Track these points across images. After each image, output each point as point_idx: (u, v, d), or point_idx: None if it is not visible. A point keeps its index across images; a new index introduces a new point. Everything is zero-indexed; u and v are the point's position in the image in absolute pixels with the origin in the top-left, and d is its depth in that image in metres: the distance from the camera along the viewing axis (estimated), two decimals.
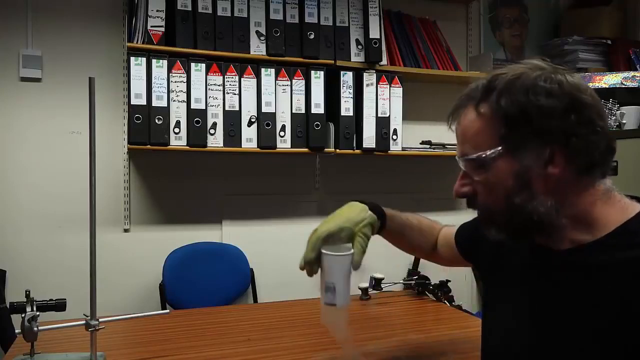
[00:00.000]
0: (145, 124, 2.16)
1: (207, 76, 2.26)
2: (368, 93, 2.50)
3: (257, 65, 2.34)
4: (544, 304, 0.81)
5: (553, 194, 0.76)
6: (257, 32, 2.34)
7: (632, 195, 0.81)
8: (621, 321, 0.70)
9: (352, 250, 0.97)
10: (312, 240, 0.96)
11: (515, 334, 0.85)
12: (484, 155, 0.77)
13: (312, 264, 0.96)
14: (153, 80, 2.17)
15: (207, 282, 2.40)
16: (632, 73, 2.64)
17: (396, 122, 2.56)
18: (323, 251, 0.94)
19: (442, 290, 1.92)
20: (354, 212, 1.02)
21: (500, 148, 0.76)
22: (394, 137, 2.55)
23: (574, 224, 0.77)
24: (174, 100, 2.21)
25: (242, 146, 2.32)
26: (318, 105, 2.42)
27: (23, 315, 1.09)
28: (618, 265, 0.72)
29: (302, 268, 0.97)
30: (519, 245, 0.88)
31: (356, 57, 2.50)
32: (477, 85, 0.80)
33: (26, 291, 1.16)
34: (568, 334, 0.76)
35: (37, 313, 1.11)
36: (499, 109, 0.75)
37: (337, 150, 2.47)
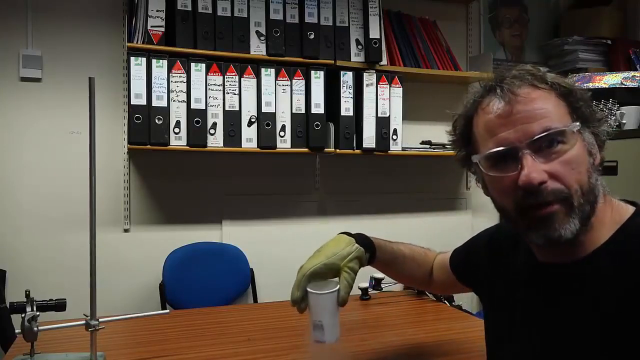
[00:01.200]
0: (145, 124, 2.16)
1: (207, 76, 2.26)
2: (368, 93, 2.50)
3: (257, 65, 2.34)
4: (546, 320, 0.78)
5: (599, 181, 0.76)
6: (257, 32, 2.34)
7: (625, 199, 0.80)
8: (624, 330, 0.68)
9: (337, 287, 0.96)
10: (297, 279, 0.96)
11: (521, 353, 0.82)
12: (570, 127, 0.73)
13: (299, 303, 0.96)
14: (153, 80, 2.17)
15: (207, 282, 2.40)
16: (632, 73, 2.64)
17: (396, 122, 2.56)
18: (309, 290, 0.95)
19: None
20: (340, 246, 1.00)
21: (577, 123, 0.74)
22: (394, 137, 2.55)
23: (595, 223, 0.75)
24: (174, 100, 2.21)
25: (242, 146, 2.32)
26: (318, 105, 2.42)
27: (23, 315, 1.09)
28: (616, 275, 0.70)
29: (293, 306, 0.97)
30: (517, 263, 0.85)
31: (356, 57, 2.50)
32: (511, 72, 0.77)
33: (26, 291, 1.16)
34: (572, 349, 0.73)
35: (37, 313, 1.11)
36: (563, 89, 0.76)
37: (337, 150, 2.47)
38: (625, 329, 0.68)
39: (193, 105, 2.23)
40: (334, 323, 0.96)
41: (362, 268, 1.02)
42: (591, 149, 0.75)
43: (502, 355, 0.89)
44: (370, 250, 1.04)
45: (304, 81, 2.41)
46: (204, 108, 2.24)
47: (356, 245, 1.01)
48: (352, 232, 1.05)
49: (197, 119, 2.23)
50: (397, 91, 2.56)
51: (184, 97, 2.22)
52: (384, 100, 2.53)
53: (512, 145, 0.72)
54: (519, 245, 0.88)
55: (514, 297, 0.85)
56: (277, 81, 2.37)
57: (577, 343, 0.73)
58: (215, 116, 2.27)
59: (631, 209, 0.77)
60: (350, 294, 0.97)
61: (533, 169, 0.71)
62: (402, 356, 1.23)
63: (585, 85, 2.70)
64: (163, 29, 2.21)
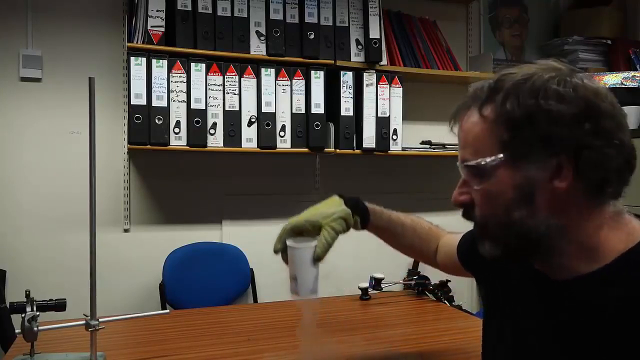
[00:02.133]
0: (145, 124, 2.16)
1: (207, 76, 2.26)
2: (368, 93, 2.50)
3: (257, 65, 2.34)
4: (538, 333, 0.76)
5: (557, 213, 0.68)
6: (257, 32, 2.34)
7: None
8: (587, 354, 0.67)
9: (314, 243, 0.98)
10: (280, 232, 1.00)
11: (512, 356, 0.82)
12: (483, 163, 0.69)
13: (279, 254, 1.01)
14: (153, 80, 2.17)
15: (207, 282, 2.40)
16: (632, 73, 2.64)
17: (396, 122, 2.56)
18: (287, 243, 0.99)
19: (442, 290, 1.93)
20: (327, 205, 1.03)
21: (501, 156, 0.68)
22: (394, 137, 2.55)
23: (578, 251, 0.70)
24: (174, 100, 2.21)
25: (242, 146, 2.32)
26: (318, 105, 2.42)
27: (23, 315, 1.09)
28: (615, 302, 0.66)
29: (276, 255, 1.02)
30: (519, 267, 0.82)
31: (356, 57, 2.50)
32: (484, 85, 0.72)
33: (26, 291, 1.16)
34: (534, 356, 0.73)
35: (37, 313, 1.11)
36: (504, 113, 0.67)
37: (337, 150, 2.47)
38: (587, 355, 0.67)
39: (193, 105, 2.23)
40: (309, 279, 1.00)
41: (334, 262, 1.03)
42: (530, 181, 0.67)
43: (492, 349, 0.90)
44: (360, 214, 1.05)
45: (304, 81, 2.41)
46: (204, 108, 2.24)
47: (343, 206, 1.02)
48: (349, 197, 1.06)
49: (197, 119, 2.22)
50: (397, 91, 2.56)
51: (184, 97, 2.22)
52: (384, 100, 2.53)
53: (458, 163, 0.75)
54: None
55: (508, 295, 0.85)
56: (277, 81, 2.36)
57: (540, 354, 0.74)
58: (215, 116, 2.27)
59: None
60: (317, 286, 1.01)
61: (457, 190, 0.75)
62: (402, 356, 1.23)
63: None
64: (163, 29, 2.21)
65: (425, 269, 2.67)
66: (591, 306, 0.68)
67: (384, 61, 2.54)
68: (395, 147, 2.55)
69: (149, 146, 2.18)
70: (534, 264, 0.77)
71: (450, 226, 1.16)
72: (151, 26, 2.19)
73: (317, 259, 0.98)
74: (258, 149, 2.34)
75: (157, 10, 2.20)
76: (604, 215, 0.69)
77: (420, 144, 2.69)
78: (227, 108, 2.29)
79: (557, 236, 0.69)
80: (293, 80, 2.39)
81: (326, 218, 1.00)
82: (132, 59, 2.15)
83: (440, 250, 1.14)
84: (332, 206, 1.03)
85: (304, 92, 2.41)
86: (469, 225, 0.81)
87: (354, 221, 1.04)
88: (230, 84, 2.30)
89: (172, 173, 2.47)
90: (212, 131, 2.26)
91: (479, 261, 0.93)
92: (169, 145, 2.21)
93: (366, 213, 1.07)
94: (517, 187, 0.68)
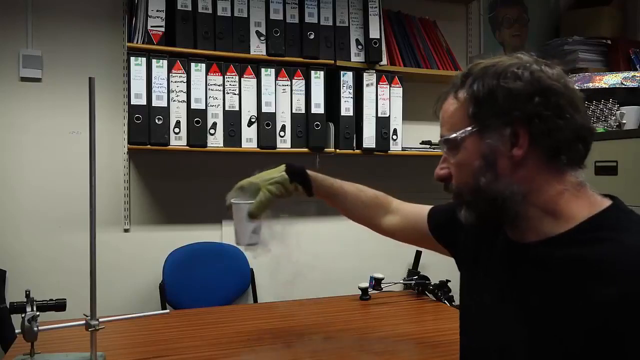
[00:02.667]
0: (145, 124, 2.16)
1: (207, 76, 2.26)
2: (368, 93, 2.50)
3: (257, 65, 2.34)
4: (513, 297, 0.81)
5: (518, 179, 0.77)
6: (257, 32, 2.34)
7: (606, 194, 0.82)
8: (580, 315, 0.70)
9: (249, 201, 1.16)
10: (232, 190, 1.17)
11: (488, 326, 0.86)
12: (454, 135, 0.81)
13: (228, 208, 1.17)
14: (153, 80, 2.17)
15: (207, 282, 2.40)
16: (632, 73, 2.64)
17: (396, 122, 2.56)
18: (231, 200, 1.17)
19: (442, 290, 1.93)
20: (271, 171, 1.21)
21: (469, 128, 0.79)
22: (394, 137, 2.55)
23: (542, 214, 0.78)
24: (174, 100, 2.21)
25: (242, 146, 2.32)
26: (318, 105, 2.42)
27: (23, 315, 1.09)
28: (579, 260, 0.72)
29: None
30: (492, 238, 0.89)
31: (356, 57, 2.50)
32: (458, 74, 0.85)
33: (26, 291, 1.16)
34: (533, 327, 0.77)
35: (37, 313, 1.11)
36: (471, 92, 0.79)
37: (337, 150, 2.47)
38: (567, 308, 0.72)
39: (193, 105, 2.23)
40: (244, 231, 1.17)
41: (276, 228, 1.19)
42: (493, 150, 0.77)
43: (469, 313, 0.95)
44: (299, 180, 1.19)
45: (304, 81, 2.41)
46: (204, 108, 2.24)
47: (283, 173, 1.19)
48: (305, 173, 1.21)
49: (197, 119, 2.22)
50: (397, 91, 2.56)
51: (184, 97, 2.22)
52: (384, 100, 2.53)
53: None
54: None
55: (485, 264, 0.91)
56: (277, 81, 2.37)
57: (522, 311, 0.79)
58: (215, 116, 2.27)
59: (607, 202, 0.79)
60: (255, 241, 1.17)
61: (438, 167, 0.88)
62: (402, 356, 1.23)
63: (585, 85, 2.70)
64: (163, 29, 2.21)
65: (425, 269, 2.67)
66: (548, 263, 0.76)
67: (384, 61, 2.54)
68: (395, 147, 2.55)
69: (149, 146, 2.18)
70: (507, 233, 0.85)
71: None
72: (151, 26, 2.19)
73: (251, 215, 1.15)
74: (258, 149, 2.34)
75: (157, 10, 2.20)
76: (565, 183, 0.78)
77: (420, 144, 2.68)
78: (227, 108, 2.29)
79: (520, 200, 0.78)
80: (293, 80, 2.39)
81: (265, 181, 1.19)
82: (132, 59, 2.15)
83: (402, 220, 1.22)
84: (275, 172, 1.21)
85: (304, 92, 2.41)
86: None
87: (294, 187, 1.19)
88: (230, 84, 2.30)
89: (172, 173, 2.47)
90: (212, 131, 2.26)
91: (455, 235, 1.02)
92: (169, 145, 2.21)
93: (306, 180, 1.20)
94: (483, 155, 0.79)
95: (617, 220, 0.75)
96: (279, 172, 1.20)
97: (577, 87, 0.79)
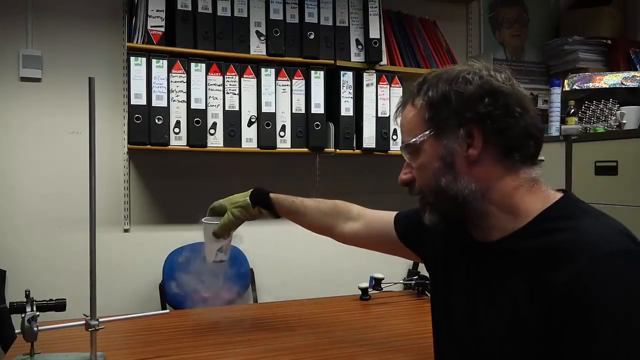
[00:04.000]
0: (145, 124, 2.16)
1: (207, 76, 2.26)
2: (368, 93, 2.50)
3: (257, 65, 2.34)
4: (482, 292, 0.84)
5: (476, 178, 0.81)
6: (257, 32, 2.34)
7: (559, 189, 0.85)
8: (541, 300, 0.72)
9: (215, 222, 1.26)
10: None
11: (461, 321, 0.88)
12: (414, 140, 0.85)
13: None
14: (153, 80, 2.17)
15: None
16: (632, 73, 2.64)
17: (396, 122, 2.55)
18: (202, 219, 1.29)
19: None
20: (238, 195, 1.29)
21: (427, 132, 0.83)
22: (394, 137, 2.55)
23: (500, 211, 0.81)
24: (174, 100, 2.21)
25: (242, 146, 2.32)
26: (318, 105, 2.42)
27: (23, 315, 1.09)
28: (535, 251, 0.76)
29: None
30: (458, 240, 0.92)
31: (356, 57, 2.50)
32: (414, 84, 0.88)
33: (26, 291, 1.16)
34: (502, 318, 0.79)
35: (37, 313, 1.11)
36: (427, 98, 0.84)
37: (337, 150, 2.47)
38: (535, 292, 0.74)
39: (193, 105, 2.23)
40: (211, 249, 1.27)
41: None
42: (450, 151, 0.81)
43: (440, 312, 0.98)
44: (261, 203, 1.27)
45: (304, 81, 2.41)
46: (204, 108, 2.24)
47: (246, 198, 1.27)
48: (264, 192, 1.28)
49: (197, 119, 2.22)
50: (397, 91, 2.56)
51: (184, 97, 2.22)
52: (384, 100, 2.53)
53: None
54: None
55: (453, 265, 0.94)
56: (277, 81, 2.37)
57: (492, 307, 0.81)
58: (215, 116, 2.27)
59: (559, 195, 0.82)
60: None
61: (403, 171, 0.91)
62: (402, 356, 1.23)
63: (585, 85, 2.70)
64: (163, 29, 2.21)
65: (425, 269, 2.67)
66: (511, 256, 0.79)
67: (384, 61, 2.54)
68: (395, 147, 2.55)
69: (149, 146, 2.18)
70: (473, 235, 0.88)
71: None
72: (151, 26, 2.19)
73: (214, 234, 1.27)
74: (258, 149, 2.34)
75: (157, 10, 2.20)
76: (519, 179, 0.81)
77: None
78: (227, 108, 2.29)
79: (479, 199, 0.81)
80: (293, 80, 2.39)
81: (231, 205, 1.28)
82: (132, 59, 2.15)
83: (368, 227, 1.24)
84: (240, 197, 1.29)
85: (304, 92, 2.41)
86: None
87: (258, 211, 1.27)
88: (230, 84, 2.30)
89: (172, 173, 2.47)
90: (212, 131, 2.26)
91: (422, 238, 1.06)
92: (169, 145, 2.21)
93: (268, 203, 1.27)
94: (441, 157, 0.82)
95: (569, 209, 0.79)
96: (243, 197, 1.28)
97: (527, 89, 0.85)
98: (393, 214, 1.20)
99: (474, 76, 0.81)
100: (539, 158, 0.84)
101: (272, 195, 1.28)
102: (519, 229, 0.80)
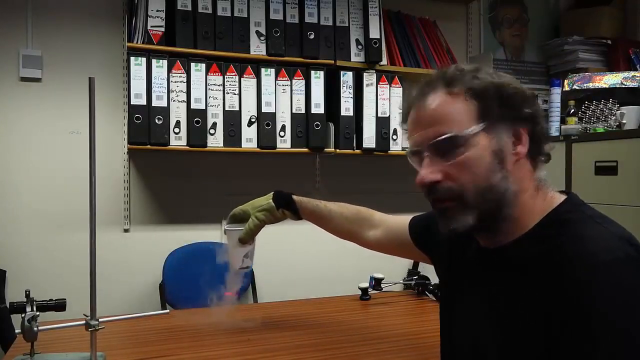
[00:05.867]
0: (145, 124, 2.16)
1: (207, 76, 2.26)
2: (368, 93, 2.50)
3: (257, 65, 2.34)
4: (484, 299, 0.84)
5: (518, 177, 0.79)
6: (257, 32, 2.34)
7: (563, 190, 0.84)
8: (538, 309, 0.72)
9: (240, 228, 1.26)
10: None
11: (463, 326, 0.89)
12: (465, 132, 0.76)
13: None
14: (153, 80, 2.17)
15: (207, 282, 2.39)
16: (632, 73, 2.64)
17: (396, 122, 2.56)
18: (225, 226, 1.29)
19: None
20: (260, 199, 1.30)
21: (482, 124, 0.77)
22: (394, 137, 2.55)
23: (514, 215, 0.80)
24: (174, 100, 2.21)
25: (242, 146, 2.32)
26: (318, 105, 2.42)
27: (23, 315, 1.09)
28: (535, 258, 0.75)
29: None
30: (464, 244, 0.91)
31: (356, 57, 2.50)
32: (438, 74, 0.82)
33: (26, 291, 1.16)
34: (502, 326, 0.79)
35: (37, 313, 1.11)
36: (474, 90, 0.78)
37: (337, 150, 2.47)
38: (535, 299, 0.73)
39: (193, 105, 2.23)
40: (236, 256, 1.28)
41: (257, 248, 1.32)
42: (502, 147, 0.78)
43: (445, 318, 0.97)
44: (284, 206, 1.28)
45: (304, 81, 2.41)
46: (204, 108, 2.24)
47: (270, 201, 1.27)
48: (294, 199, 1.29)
49: (197, 119, 2.23)
50: (397, 91, 2.56)
51: (184, 97, 2.22)
52: (384, 100, 2.53)
53: (418, 147, 0.82)
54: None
55: (457, 271, 0.94)
56: (277, 81, 2.37)
57: (492, 313, 0.81)
58: (215, 116, 2.27)
59: (562, 198, 0.81)
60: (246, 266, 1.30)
61: (427, 170, 0.79)
62: (403, 356, 1.23)
63: (585, 85, 2.70)
64: (163, 29, 2.21)
65: (425, 269, 2.67)
66: (511, 264, 0.79)
67: (384, 61, 2.54)
68: (395, 147, 2.55)
69: (149, 146, 2.18)
70: (479, 242, 0.86)
71: None
72: (151, 26, 2.19)
73: (241, 240, 1.27)
74: (258, 149, 2.34)
75: (157, 10, 2.20)
76: (533, 180, 0.81)
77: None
78: (227, 108, 2.29)
79: (512, 201, 0.78)
80: (293, 80, 2.39)
81: (254, 209, 1.28)
82: (132, 59, 2.15)
83: (386, 233, 1.24)
84: (263, 200, 1.29)
85: (304, 92, 2.41)
86: None
87: (282, 213, 1.28)
88: (230, 84, 2.30)
89: (172, 173, 2.47)
90: (212, 131, 2.26)
91: (432, 240, 1.04)
92: (169, 145, 2.21)
93: (292, 205, 1.28)
94: (494, 152, 0.77)
95: (571, 213, 0.77)
96: (266, 200, 1.28)
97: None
98: (409, 218, 1.20)
99: (504, 79, 0.81)
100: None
101: (294, 197, 1.30)
102: (520, 237, 0.79)
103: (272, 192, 1.30)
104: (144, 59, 2.16)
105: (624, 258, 0.69)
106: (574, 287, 0.68)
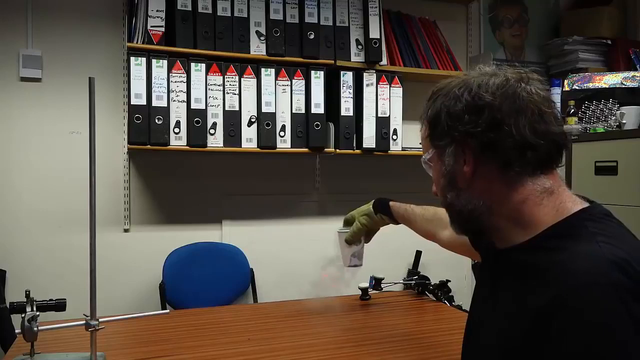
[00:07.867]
0: (145, 124, 2.16)
1: (207, 76, 2.26)
2: (368, 93, 2.50)
3: (257, 65, 2.34)
4: (488, 302, 0.85)
5: (478, 193, 0.80)
6: (257, 32, 2.34)
7: (583, 197, 0.81)
8: (519, 320, 0.72)
9: (346, 230, 1.45)
10: None
11: (474, 330, 0.91)
12: (423, 157, 0.88)
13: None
14: (153, 80, 2.17)
15: (207, 282, 2.40)
16: (632, 73, 2.64)
17: (396, 122, 2.56)
18: (337, 229, 1.47)
19: (442, 290, 1.93)
20: (366, 205, 1.46)
21: (432, 150, 0.85)
22: (394, 137, 2.55)
23: (509, 224, 0.79)
24: (174, 100, 2.21)
25: (242, 146, 2.32)
26: (318, 105, 2.42)
27: (23, 315, 1.09)
28: (526, 267, 0.75)
29: None
30: (487, 246, 0.92)
31: (356, 57, 2.50)
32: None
33: (26, 291, 1.16)
34: (489, 335, 0.80)
35: (37, 313, 1.11)
36: (427, 116, 0.85)
37: (337, 150, 2.47)
38: (514, 312, 0.74)
39: (193, 105, 2.23)
40: (345, 254, 1.46)
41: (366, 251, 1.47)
42: (450, 168, 0.81)
43: (469, 318, 0.98)
44: (381, 210, 1.41)
45: (304, 81, 2.41)
46: (204, 108, 2.24)
47: (369, 206, 1.44)
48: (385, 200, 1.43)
49: (197, 119, 2.23)
50: (397, 91, 2.56)
51: (184, 97, 2.22)
52: (384, 100, 2.53)
53: None
54: None
55: (479, 274, 1.00)
56: (277, 81, 2.37)
57: (491, 318, 0.83)
58: (215, 116, 2.27)
59: (578, 208, 0.77)
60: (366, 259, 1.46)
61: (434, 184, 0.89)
62: (403, 356, 1.23)
63: (585, 85, 2.70)
64: (163, 29, 2.21)
65: (425, 269, 2.67)
66: (507, 270, 0.80)
67: (384, 61, 2.55)
68: (395, 147, 2.55)
69: (149, 146, 2.18)
70: (495, 243, 0.86)
71: None
72: (151, 26, 2.19)
73: (347, 242, 1.45)
74: (258, 149, 2.34)
75: (157, 10, 2.20)
76: (525, 191, 0.78)
77: (420, 144, 2.68)
78: (227, 108, 2.29)
79: (486, 213, 0.80)
80: (293, 80, 2.40)
81: (359, 214, 1.45)
82: (132, 59, 2.15)
83: (452, 233, 1.23)
84: (367, 206, 1.45)
85: (304, 92, 2.41)
86: None
87: (380, 217, 1.42)
88: (230, 84, 2.30)
89: (172, 173, 2.47)
90: (212, 131, 2.26)
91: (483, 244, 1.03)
92: (169, 145, 2.21)
93: (387, 210, 1.40)
94: (444, 174, 0.83)
95: (574, 228, 0.74)
96: (368, 207, 1.45)
97: (545, 92, 0.78)
98: None
99: (463, 91, 0.78)
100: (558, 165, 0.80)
101: (391, 203, 1.41)
102: (522, 243, 0.78)
103: (375, 199, 1.45)
104: (144, 59, 2.16)
105: (604, 283, 0.65)
106: (549, 305, 0.67)
